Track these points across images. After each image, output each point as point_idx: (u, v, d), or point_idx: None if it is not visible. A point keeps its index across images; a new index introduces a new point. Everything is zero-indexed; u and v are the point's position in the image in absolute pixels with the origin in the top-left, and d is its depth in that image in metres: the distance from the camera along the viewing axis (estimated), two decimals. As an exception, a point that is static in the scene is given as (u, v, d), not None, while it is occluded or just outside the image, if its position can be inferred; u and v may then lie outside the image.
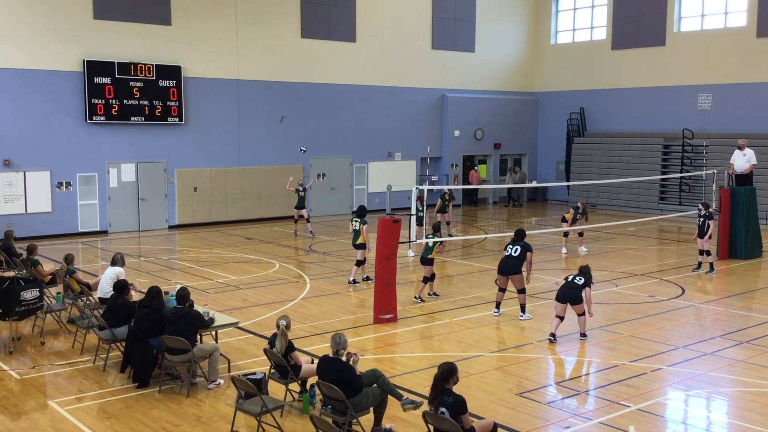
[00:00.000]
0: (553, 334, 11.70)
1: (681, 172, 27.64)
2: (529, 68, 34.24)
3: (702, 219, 17.13)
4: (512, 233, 13.71)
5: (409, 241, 15.47)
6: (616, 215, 25.50)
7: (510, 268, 12.98)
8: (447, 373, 6.91)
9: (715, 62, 28.11)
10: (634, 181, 26.37)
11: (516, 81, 33.91)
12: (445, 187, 22.91)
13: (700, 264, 17.38)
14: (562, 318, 11.78)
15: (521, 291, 13.06)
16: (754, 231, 19.25)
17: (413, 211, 17.20)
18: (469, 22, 31.76)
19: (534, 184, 30.63)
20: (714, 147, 27.09)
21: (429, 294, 14.67)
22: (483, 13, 32.11)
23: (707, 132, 27.99)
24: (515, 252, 13.00)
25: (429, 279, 14.42)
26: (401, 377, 9.95)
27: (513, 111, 33.55)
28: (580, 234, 20.28)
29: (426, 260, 14.26)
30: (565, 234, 20.28)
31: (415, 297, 14.42)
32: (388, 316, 12.80)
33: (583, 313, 11.75)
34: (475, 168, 32.52)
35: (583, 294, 11.64)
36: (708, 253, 17.25)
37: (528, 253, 12.97)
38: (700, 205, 17.58)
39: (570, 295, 11.69)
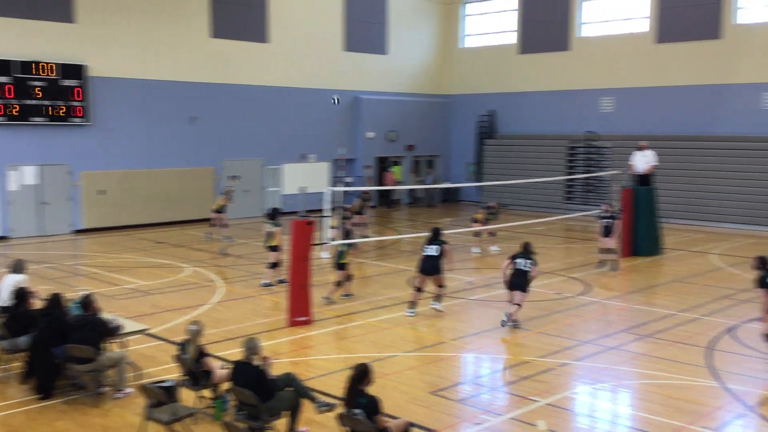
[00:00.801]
0: (507, 321, 12.42)
1: (585, 173, 28.65)
2: (440, 71, 34.76)
3: (606, 219, 17.80)
4: (426, 233, 13.93)
5: (323, 243, 15.42)
6: (526, 215, 26.19)
7: (431, 267, 13.23)
8: (361, 375, 6.93)
9: (617, 67, 29.28)
10: (541, 182, 27.15)
11: (428, 83, 34.36)
12: (363, 189, 23.00)
13: (602, 262, 18.04)
14: (519, 305, 12.50)
15: (441, 286, 13.49)
16: (654, 229, 20.15)
17: (327, 213, 17.09)
18: (381, 25, 31.97)
19: (447, 185, 31.13)
20: (616, 149, 28.21)
21: (343, 295, 14.68)
22: (395, 15, 32.39)
23: (609, 134, 29.11)
24: (435, 251, 13.24)
25: (343, 282, 14.48)
26: (317, 380, 9.91)
27: (426, 113, 33.98)
28: (492, 234, 20.74)
29: (339, 265, 14.35)
30: (477, 234, 20.68)
31: (324, 297, 14.36)
32: (302, 319, 12.73)
33: (519, 304, 12.48)
34: (389, 169, 32.74)
35: (532, 274, 12.52)
36: (612, 251, 17.93)
37: (444, 246, 13.29)
38: (603, 206, 18.29)
39: (521, 283, 12.42)
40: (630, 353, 11.34)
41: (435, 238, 13.49)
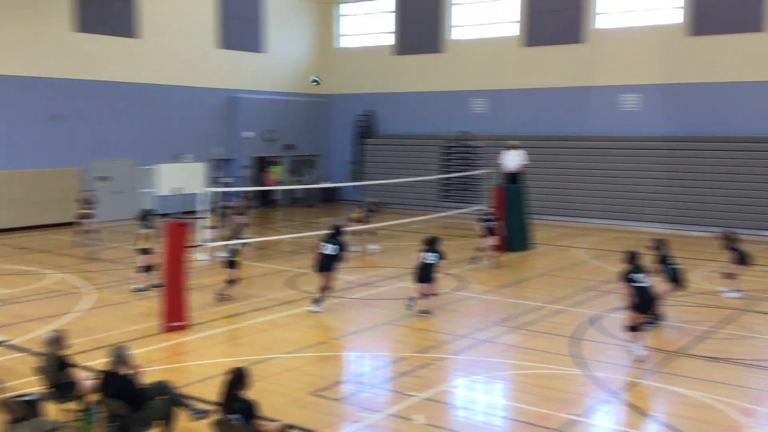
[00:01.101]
0: (411, 305, 13.36)
1: (460, 171, 29.45)
2: (318, 70, 34.69)
3: (487, 221, 18.28)
4: (303, 234, 13.91)
5: (198, 245, 15.04)
6: (405, 213, 26.62)
7: (324, 265, 13.55)
8: (236, 379, 6.81)
9: (488, 69, 30.28)
10: (419, 181, 27.68)
11: (307, 83, 34.19)
12: (242, 189, 22.61)
13: (477, 258, 18.57)
14: (426, 296, 13.21)
15: (326, 288, 13.72)
16: (524, 225, 21.01)
17: (203, 214, 16.72)
18: (257, 23, 31.56)
19: (327, 184, 31.13)
20: (489, 148, 29.18)
21: (221, 295, 14.45)
22: (272, 13, 32.06)
23: (483, 134, 30.08)
24: (332, 250, 13.52)
25: (236, 280, 14.48)
26: (193, 386, 9.65)
27: (305, 113, 33.85)
28: (372, 232, 20.90)
29: (231, 263, 14.31)
30: (356, 233, 20.78)
31: (218, 293, 14.45)
32: (178, 324, 12.36)
33: (431, 294, 13.24)
34: (268, 169, 32.38)
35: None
36: (491, 249, 18.40)
37: (342, 248, 13.63)
38: (486, 207, 18.81)
39: (427, 276, 13.10)
40: (502, 345, 11.77)
41: (332, 236, 13.76)
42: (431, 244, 13.58)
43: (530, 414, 8.86)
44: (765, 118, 24.79)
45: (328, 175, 34.84)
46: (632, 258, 11.15)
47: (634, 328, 10.92)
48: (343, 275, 17.04)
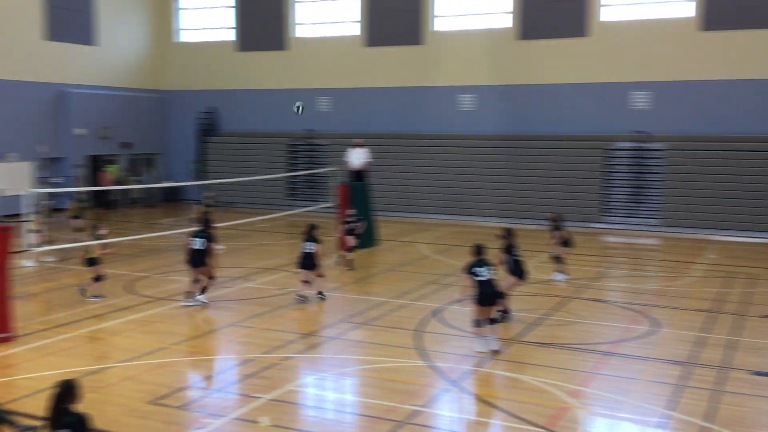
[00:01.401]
0: (303, 296, 14.18)
1: (306, 170, 29.44)
2: (156, 65, 33.42)
3: (351, 222, 18.22)
4: (143, 235, 13.38)
5: (24, 251, 14.01)
6: (251, 213, 26.22)
7: (195, 260, 13.74)
8: (65, 392, 6.38)
9: (331, 68, 30.44)
10: (264, 179, 27.36)
11: (144, 78, 32.85)
12: (77, 190, 21.28)
13: (341, 257, 18.35)
14: (308, 282, 14.11)
15: (208, 279, 14.01)
16: (369, 222, 21.32)
17: (27, 217, 15.58)
18: (87, 14, 29.84)
19: (169, 183, 30.04)
20: (334, 146, 29.38)
21: (87, 294, 14.30)
22: (103, 4, 30.43)
23: (328, 132, 30.24)
24: (200, 245, 13.70)
25: (103, 277, 14.51)
26: (20, 401, 8.98)
27: (143, 109, 32.46)
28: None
29: (90, 261, 14.15)
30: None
31: (79, 289, 14.49)
32: (3, 336, 11.44)
33: (320, 275, 14.34)
34: (103, 168, 30.75)
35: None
36: (352, 250, 18.23)
37: (211, 244, 13.85)
38: (348, 211, 18.67)
39: (309, 263, 14.03)
40: (349, 341, 11.88)
41: (201, 231, 13.97)
42: (310, 233, 14.38)
43: (376, 408, 9.01)
44: (588, 117, 26.71)
45: (169, 174, 33.63)
46: (477, 251, 11.31)
47: (478, 323, 11.08)
48: (184, 278, 16.54)
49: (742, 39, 24.50)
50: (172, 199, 33.43)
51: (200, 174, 32.23)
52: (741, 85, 24.66)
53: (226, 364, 10.99)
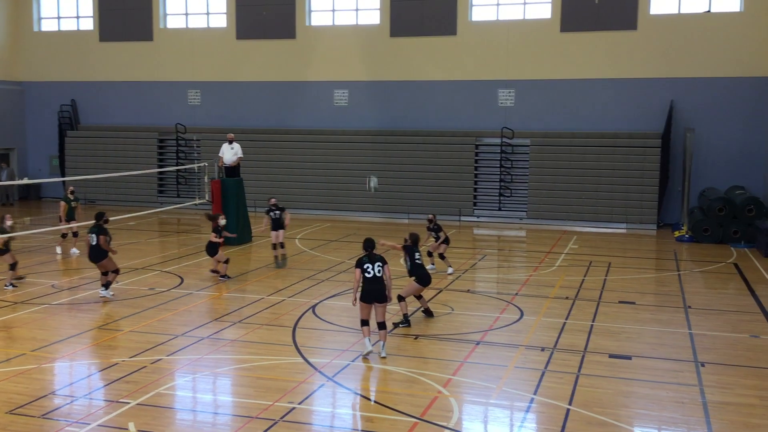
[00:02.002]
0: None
1: (177, 165, 28.57)
2: (10, 55, 31.35)
3: (274, 212, 17.63)
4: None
5: None
6: (117, 210, 25.12)
7: (93, 255, 13.89)
8: None
9: (201, 61, 29.67)
10: (132, 175, 26.31)
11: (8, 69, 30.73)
12: None
13: (277, 258, 17.61)
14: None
15: (111, 272, 14.08)
16: (244, 218, 21.01)
17: None
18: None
19: (25, 180, 28.25)
20: (205, 141, 28.67)
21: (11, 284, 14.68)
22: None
23: (198, 127, 29.46)
24: (94, 240, 13.79)
25: (13, 265, 14.86)
26: None
27: (-5, 101, 30.38)
28: (74, 234, 19.14)
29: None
30: (63, 235, 19.14)
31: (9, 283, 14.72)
32: None
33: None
34: None
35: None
36: (282, 245, 17.77)
37: (101, 237, 13.75)
38: (271, 199, 18.16)
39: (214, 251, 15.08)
40: (222, 341, 11.64)
41: (94, 225, 13.98)
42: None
43: (251, 407, 8.88)
44: (459, 114, 27.48)
45: (25, 170, 31.66)
46: (367, 246, 10.97)
47: (363, 322, 10.78)
48: (46, 280, 15.67)
49: (597, 40, 26.00)
50: (31, 196, 31.53)
51: (60, 170, 30.57)
52: (598, 84, 26.17)
53: (91, 369, 10.48)
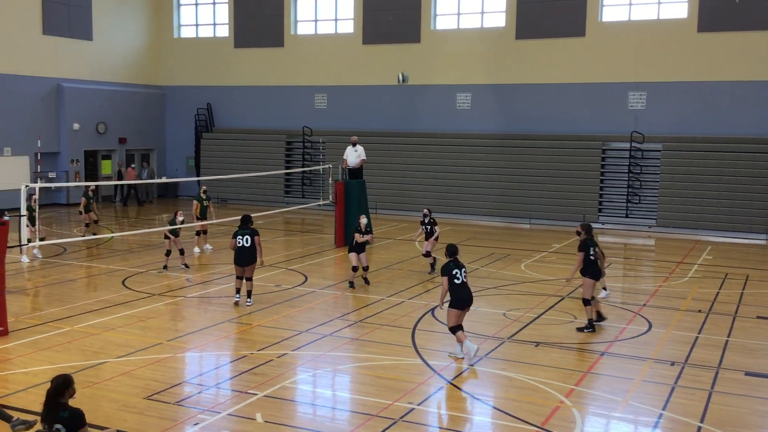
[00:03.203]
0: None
1: (302, 167, 29.44)
2: (153, 61, 33.36)
3: (427, 224, 17.34)
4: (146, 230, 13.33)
5: (21, 245, 13.96)
6: (246, 209, 26.15)
7: (247, 258, 13.52)
8: (61, 387, 6.38)
9: (328, 65, 30.42)
10: (260, 176, 27.35)
11: (140, 73, 32.78)
12: (91, 184, 21.27)
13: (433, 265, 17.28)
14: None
15: (249, 279, 13.74)
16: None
17: (23, 212, 15.53)
18: (84, 8, 29.76)
19: (164, 179, 30.01)
20: (330, 143, 29.37)
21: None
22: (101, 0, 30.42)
23: (324, 129, 30.23)
24: (247, 243, 13.49)
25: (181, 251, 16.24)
26: (14, 396, 8.98)
27: (138, 104, 32.42)
28: (204, 232, 20.05)
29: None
30: (197, 233, 20.04)
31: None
32: (-4, 331, 11.43)
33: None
34: (132, 165, 31.29)
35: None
36: (430, 254, 17.25)
37: (256, 237, 13.59)
38: (425, 209, 17.82)
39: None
40: (344, 339, 11.88)
41: (245, 227, 13.67)
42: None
43: (370, 405, 9.01)
44: (585, 117, 26.75)
45: (164, 170, 33.59)
46: (452, 252, 10.84)
47: (454, 329, 10.66)
48: (181, 274, 16.54)
49: (739, 40, 24.56)
50: (168, 194, 33.40)
51: (196, 170, 32.21)
52: (737, 86, 24.74)
53: (221, 360, 10.98)
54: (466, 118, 28.40)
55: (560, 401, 9.26)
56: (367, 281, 15.65)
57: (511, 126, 27.73)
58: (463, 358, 10.69)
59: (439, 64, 28.63)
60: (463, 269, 10.73)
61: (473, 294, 10.97)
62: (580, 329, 12.42)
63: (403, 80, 22.17)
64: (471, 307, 10.95)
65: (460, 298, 10.64)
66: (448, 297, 10.85)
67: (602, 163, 26.24)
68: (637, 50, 25.88)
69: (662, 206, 25.21)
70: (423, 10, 28.66)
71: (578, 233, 12.88)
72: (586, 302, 12.43)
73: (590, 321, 12.41)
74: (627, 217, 25.80)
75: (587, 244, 12.51)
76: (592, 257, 12.43)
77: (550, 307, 14.09)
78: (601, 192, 26.23)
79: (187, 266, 16.97)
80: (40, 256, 18.28)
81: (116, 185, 30.26)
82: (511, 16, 27.42)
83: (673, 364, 10.77)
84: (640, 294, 15.69)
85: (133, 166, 31.66)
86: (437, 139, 28.49)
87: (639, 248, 22.92)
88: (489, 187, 27.28)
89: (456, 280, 10.61)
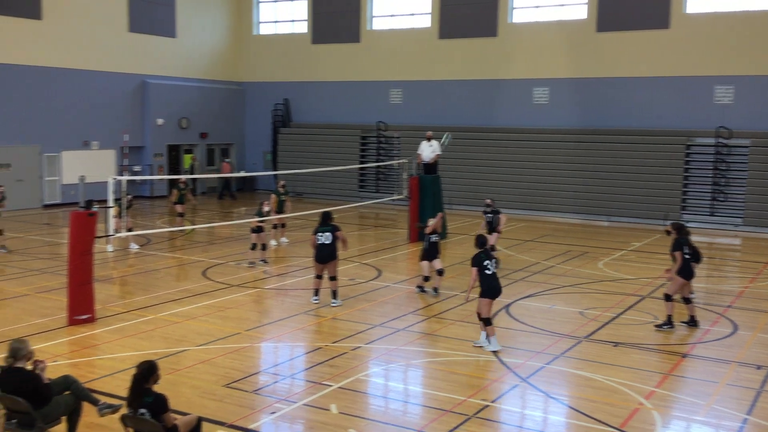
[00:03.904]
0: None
1: (377, 162, 29.57)
2: (233, 57, 34.11)
3: (489, 214, 17.23)
4: (232, 222, 13.65)
5: (107, 236, 14.51)
6: (321, 203, 26.53)
7: (327, 255, 13.19)
8: (146, 372, 6.62)
9: (404, 60, 30.45)
10: (336, 170, 27.63)
11: (221, 69, 33.58)
12: (182, 177, 22.00)
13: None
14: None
15: (334, 278, 13.37)
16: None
17: (111, 203, 16.13)
18: (168, 6, 30.68)
19: (242, 173, 30.68)
20: (405, 138, 29.39)
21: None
22: (184, -3, 31.32)
23: (399, 125, 30.27)
24: (327, 240, 13.21)
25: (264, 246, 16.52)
26: (101, 380, 9.36)
27: (219, 100, 33.22)
28: (282, 225, 20.32)
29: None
30: (274, 226, 20.35)
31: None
32: (84, 317, 11.93)
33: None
34: (226, 159, 32.16)
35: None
36: (494, 248, 16.37)
37: (338, 233, 13.29)
38: (486, 200, 17.63)
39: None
40: (417, 333, 11.89)
41: (326, 223, 13.46)
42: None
43: (443, 400, 8.99)
44: (669, 112, 25.92)
45: (243, 164, 34.32)
46: (481, 243, 11.01)
47: (487, 321, 10.77)
48: (259, 265, 16.86)
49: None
50: (246, 188, 34.13)
51: (273, 164, 32.78)
52: (833, 79, 23.47)
53: (296, 351, 11.16)
54: (544, 113, 27.94)
55: (640, 403, 9.02)
56: (436, 291, 14.43)
57: (590, 121, 27.13)
58: (483, 347, 10.87)
59: (516, 58, 28.26)
60: (494, 260, 10.98)
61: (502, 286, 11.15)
62: (658, 327, 12.11)
63: (446, 143, 22.18)
64: (552, 305, 10.81)
65: (492, 287, 10.81)
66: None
67: (686, 159, 25.38)
68: (724, 42, 24.90)
69: (749, 204, 24.21)
70: (500, 3, 28.33)
71: (668, 232, 12.57)
72: (668, 298, 12.12)
73: (669, 318, 12.09)
74: (712, 215, 24.88)
75: (680, 242, 12.20)
76: (687, 256, 12.10)
77: (630, 307, 13.73)
78: (684, 189, 25.38)
79: (265, 261, 17.13)
80: (136, 247, 18.95)
81: (193, 179, 30.96)
82: (593, 8, 26.79)
83: (759, 367, 10.34)
84: (725, 295, 15.13)
85: (227, 160, 32.23)
86: (513, 134, 28.14)
87: (724, 248, 22.08)
88: (566, 183, 26.78)
89: (487, 271, 10.80)
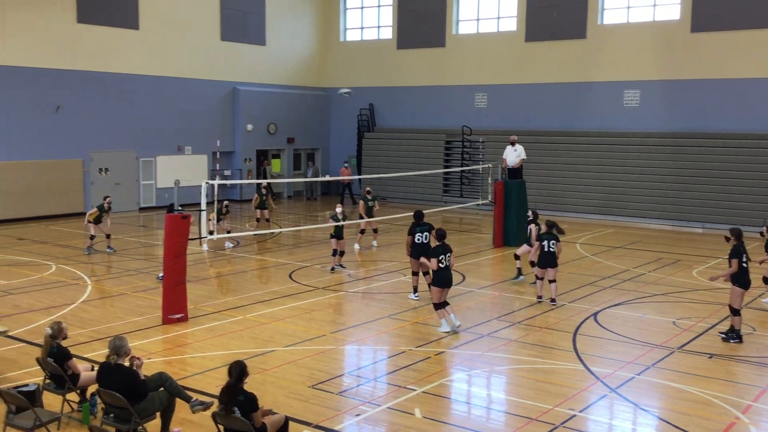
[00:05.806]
0: (540, 297, 14.09)
1: (461, 166, 29.43)
2: (320, 64, 34.67)
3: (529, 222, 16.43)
4: (313, 226, 13.92)
5: (200, 238, 14.99)
6: (405, 208, 26.58)
7: (424, 253, 13.27)
8: (241, 373, 6.81)
9: (489, 64, 30.22)
10: (420, 175, 27.65)
11: (308, 76, 34.18)
12: (264, 182, 22.62)
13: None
14: (542, 279, 14.06)
15: (421, 274, 14.06)
16: (524, 221, 20.94)
17: (204, 206, 16.65)
18: (258, 15, 31.49)
19: (327, 177, 31.10)
20: (490, 143, 29.14)
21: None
22: (272, 6, 31.97)
23: (483, 129, 30.04)
24: (426, 238, 13.76)
25: (341, 252, 16.88)
26: (192, 378, 9.67)
27: (305, 106, 33.82)
28: (374, 230, 20.43)
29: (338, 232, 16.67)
30: (361, 231, 20.44)
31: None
32: (178, 316, 12.37)
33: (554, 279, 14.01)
34: (345, 164, 32.45)
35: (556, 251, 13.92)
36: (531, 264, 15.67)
37: (559, 244, 14.01)
38: (529, 212, 16.86)
39: (549, 260, 13.84)
40: (502, 340, 11.76)
41: (421, 223, 14.01)
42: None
43: (530, 409, 8.86)
44: (765, 114, 24.74)
45: (327, 168, 34.81)
46: (441, 237, 12.14)
47: (438, 306, 11.90)
48: (343, 269, 17.05)
49: None
50: (331, 192, 34.59)
51: (357, 169, 33.09)
52: None
53: (379, 354, 11.23)
54: (634, 116, 27.15)
55: (736, 417, 8.64)
56: (553, 301, 13.99)
57: (684, 124, 26.19)
58: (449, 331, 11.82)
59: (606, 60, 27.59)
60: (449, 254, 12.01)
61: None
62: (725, 339, 11.61)
63: (348, 94, 21.56)
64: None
65: (443, 278, 11.89)
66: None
67: (787, 163, 24.16)
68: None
69: None
70: (590, 4, 27.72)
71: (727, 239, 12.07)
72: (735, 312, 11.62)
73: (737, 331, 11.66)
74: (816, 222, 23.56)
75: (739, 250, 11.69)
76: (744, 264, 11.68)
77: (726, 317, 13.17)
78: (785, 195, 24.15)
79: (343, 266, 17.09)
80: (231, 245, 19.62)
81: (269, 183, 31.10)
82: (687, 8, 25.87)
83: None
84: (830, 307, 14.30)
85: (346, 164, 31.76)
86: (602, 138, 27.46)
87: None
88: (657, 188, 25.92)
89: (441, 264, 11.79)
